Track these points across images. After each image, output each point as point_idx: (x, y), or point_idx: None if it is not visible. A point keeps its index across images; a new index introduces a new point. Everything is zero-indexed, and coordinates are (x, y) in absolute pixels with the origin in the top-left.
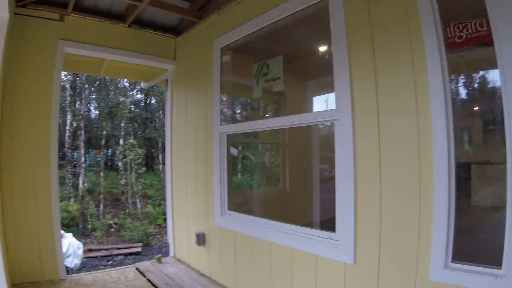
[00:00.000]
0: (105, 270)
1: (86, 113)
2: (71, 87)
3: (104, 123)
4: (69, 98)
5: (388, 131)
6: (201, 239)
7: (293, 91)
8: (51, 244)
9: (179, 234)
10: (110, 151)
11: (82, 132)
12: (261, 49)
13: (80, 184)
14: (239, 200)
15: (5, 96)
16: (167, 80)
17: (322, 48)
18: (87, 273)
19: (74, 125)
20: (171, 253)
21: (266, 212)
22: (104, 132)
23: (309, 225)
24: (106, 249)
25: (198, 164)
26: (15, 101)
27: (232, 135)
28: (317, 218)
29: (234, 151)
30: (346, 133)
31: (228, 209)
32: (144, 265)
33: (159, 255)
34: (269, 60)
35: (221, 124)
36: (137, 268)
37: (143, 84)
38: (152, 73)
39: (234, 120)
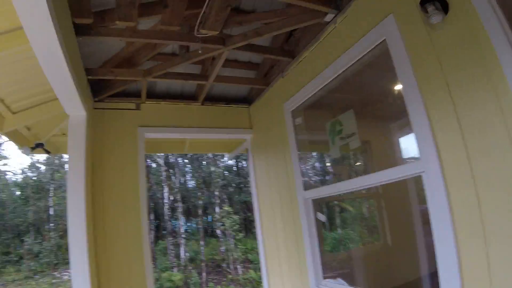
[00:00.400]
0: None
1: (182, 185)
2: (165, 163)
3: (199, 193)
4: (164, 173)
5: (483, 174)
6: None
7: (377, 135)
8: None
9: None
10: (210, 218)
11: (180, 203)
12: (334, 101)
13: (182, 253)
14: (338, 261)
15: (95, 185)
16: (247, 149)
17: (398, 87)
18: None
19: (172, 198)
20: None
21: (367, 274)
22: (200, 202)
23: (418, 281)
24: None
25: (286, 231)
26: (104, 189)
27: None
28: (425, 269)
29: (321, 217)
30: (437, 186)
31: (324, 278)
32: None
33: None
34: (341, 116)
35: (304, 190)
36: None
37: (226, 156)
38: (234, 143)
39: (321, 174)
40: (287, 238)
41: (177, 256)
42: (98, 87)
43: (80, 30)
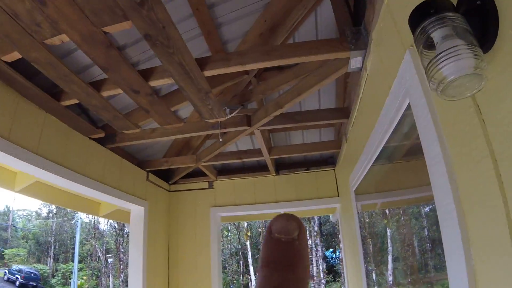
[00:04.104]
0: None
1: None
2: None
3: None
4: None
5: None
6: None
7: None
8: None
9: None
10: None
11: None
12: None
13: None
14: None
15: (170, 264)
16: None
17: None
18: None
19: None
20: None
21: None
22: None
23: None
24: None
25: None
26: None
27: None
28: None
29: None
30: None
31: None
32: None
33: None
34: None
35: None
36: None
37: (331, 217)
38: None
39: None
40: None
41: None
42: (172, 170)
43: (105, 141)
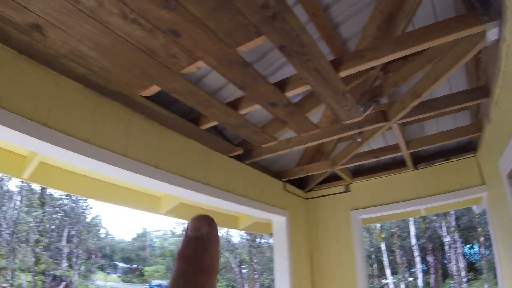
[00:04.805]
0: None
1: None
2: None
3: None
4: None
5: None
6: None
7: None
8: None
9: None
10: None
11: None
12: None
13: None
14: None
15: (314, 271)
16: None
17: None
18: None
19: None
20: None
21: None
22: None
23: None
24: None
25: None
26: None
27: None
28: None
29: None
30: None
31: None
32: None
33: None
34: None
35: None
36: None
37: (476, 208)
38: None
39: None
40: None
41: None
42: (306, 178)
43: (242, 157)
